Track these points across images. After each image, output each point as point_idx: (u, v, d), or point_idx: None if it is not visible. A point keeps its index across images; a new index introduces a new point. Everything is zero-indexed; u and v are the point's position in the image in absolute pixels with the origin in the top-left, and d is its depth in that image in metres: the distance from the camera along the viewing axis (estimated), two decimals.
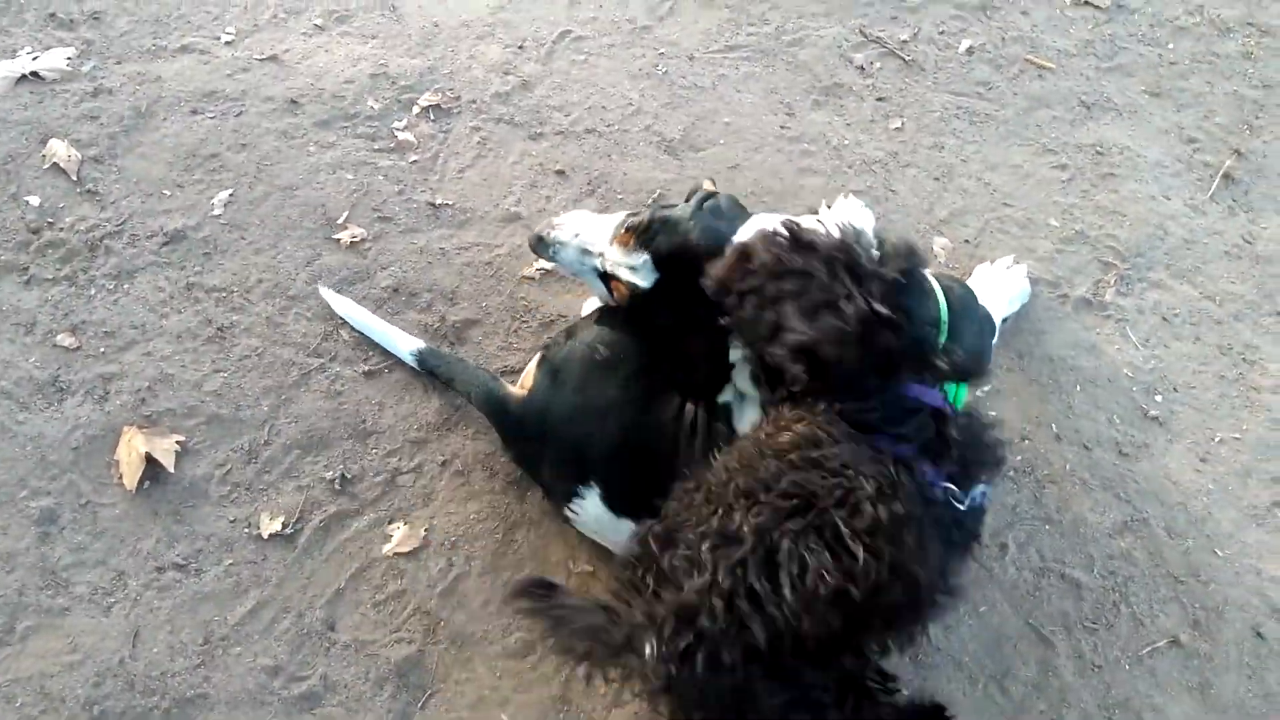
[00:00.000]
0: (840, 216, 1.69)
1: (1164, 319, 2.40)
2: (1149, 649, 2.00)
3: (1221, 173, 2.62)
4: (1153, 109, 2.74)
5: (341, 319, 2.28)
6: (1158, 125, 2.71)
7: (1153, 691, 1.96)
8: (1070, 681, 1.96)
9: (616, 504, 1.87)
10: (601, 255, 1.86)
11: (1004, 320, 2.26)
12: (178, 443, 2.13)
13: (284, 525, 2.07)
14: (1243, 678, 1.99)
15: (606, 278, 1.89)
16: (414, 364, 2.21)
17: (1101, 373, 2.31)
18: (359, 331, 2.27)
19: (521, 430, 2.00)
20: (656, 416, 1.86)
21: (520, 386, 2.04)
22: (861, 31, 2.85)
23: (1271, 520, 2.16)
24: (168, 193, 2.45)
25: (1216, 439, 2.25)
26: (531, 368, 2.02)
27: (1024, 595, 2.04)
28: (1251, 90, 2.78)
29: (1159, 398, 2.29)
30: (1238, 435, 2.25)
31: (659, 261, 1.80)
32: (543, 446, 1.96)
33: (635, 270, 1.82)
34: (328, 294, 2.28)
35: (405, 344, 2.21)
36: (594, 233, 1.88)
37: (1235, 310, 2.42)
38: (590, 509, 1.89)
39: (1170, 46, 2.85)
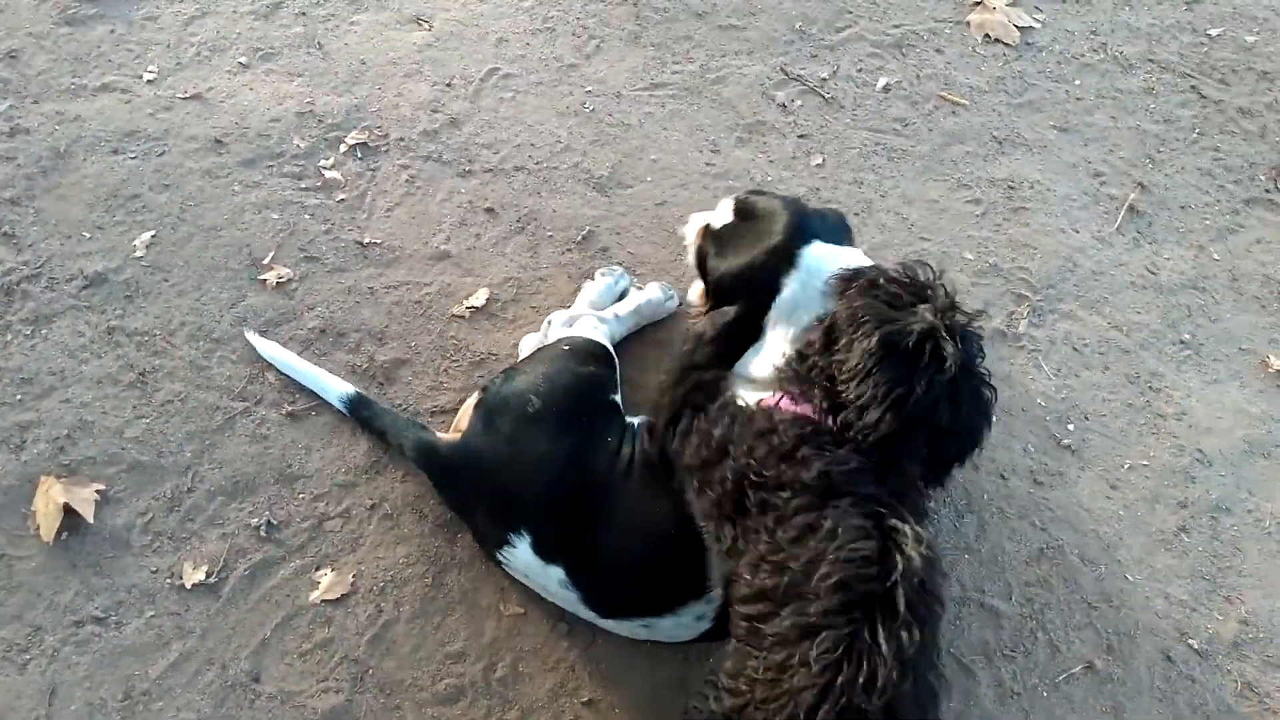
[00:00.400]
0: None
1: (1074, 349, 2.49)
2: (1065, 675, 2.07)
3: (1126, 205, 2.73)
4: (1061, 144, 2.84)
5: (269, 363, 2.26)
6: (1066, 159, 2.81)
7: (1069, 716, 2.02)
8: (990, 709, 2.02)
9: (547, 552, 1.88)
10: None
11: None
12: (97, 491, 2.10)
13: (208, 574, 2.04)
14: (1154, 701, 2.06)
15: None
16: (343, 410, 2.20)
17: (1016, 403, 2.38)
18: (286, 375, 2.25)
19: (453, 475, 2.01)
20: (591, 464, 1.88)
21: (454, 429, 2.05)
22: (783, 70, 2.91)
23: (1178, 545, 2.25)
24: (88, 235, 2.42)
25: (1126, 466, 2.33)
26: (467, 408, 2.03)
27: (945, 625, 2.09)
28: (1153, 125, 2.90)
29: (1071, 426, 2.37)
30: (1145, 462, 2.34)
31: None
32: (474, 492, 1.97)
33: None
34: (254, 338, 2.27)
35: (335, 388, 2.20)
36: None
37: (1141, 339, 2.51)
38: (521, 555, 1.90)
39: (1077, 83, 2.96)
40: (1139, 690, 2.06)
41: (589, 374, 1.99)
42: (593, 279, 2.39)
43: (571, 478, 1.86)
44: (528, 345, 2.24)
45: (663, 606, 1.86)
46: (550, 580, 1.88)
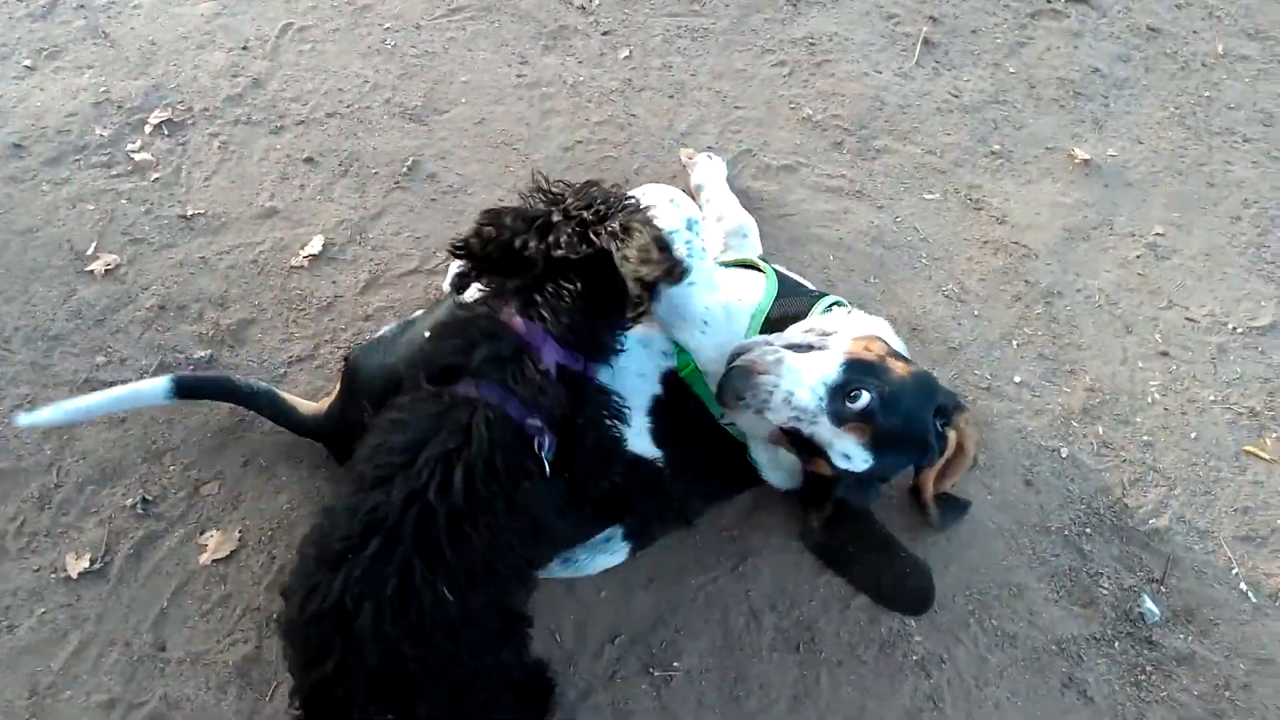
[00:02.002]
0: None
1: (882, 177, 2.60)
2: None
3: (921, 40, 2.85)
4: None
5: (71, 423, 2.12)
6: (859, 8, 2.92)
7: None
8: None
9: None
10: (815, 424, 1.75)
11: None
12: None
13: (92, 561, 2.02)
14: (1017, 477, 2.20)
15: (807, 449, 1.82)
16: (173, 399, 2.05)
17: (851, 239, 2.49)
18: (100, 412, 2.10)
19: (324, 434, 2.03)
20: None
21: (333, 395, 2.04)
22: None
23: (1019, 334, 2.39)
24: None
25: (960, 273, 2.46)
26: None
27: None
28: None
29: (902, 250, 2.48)
30: (977, 265, 2.47)
31: (879, 445, 1.77)
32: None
33: (854, 460, 1.78)
34: (29, 419, 1.94)
35: (150, 387, 2.03)
36: (807, 390, 1.73)
37: (955, 158, 2.64)
38: None
39: None
40: (1004, 470, 2.20)
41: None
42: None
43: None
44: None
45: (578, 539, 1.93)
46: None
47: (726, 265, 2.14)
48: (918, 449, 1.86)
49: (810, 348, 1.81)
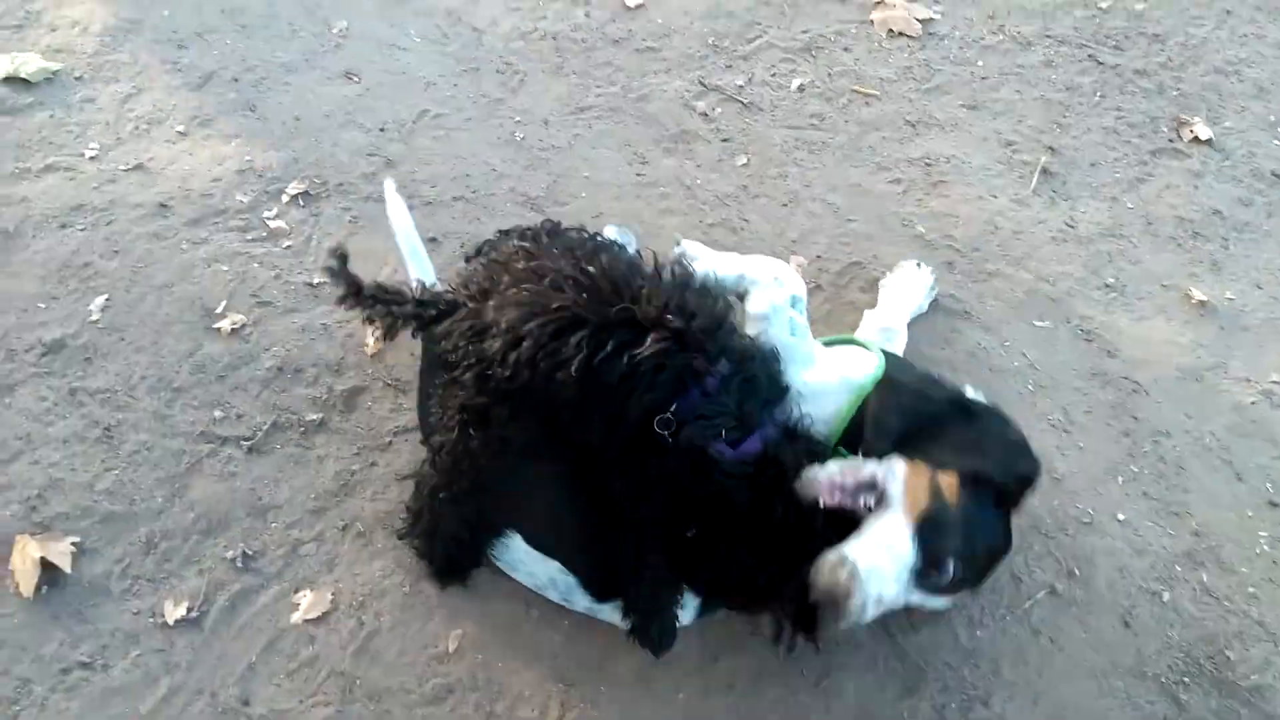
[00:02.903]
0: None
1: (1005, 304, 2.59)
2: (1030, 602, 2.14)
3: (1039, 168, 2.87)
4: (972, 120, 2.99)
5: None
6: (978, 134, 2.96)
7: (1037, 639, 2.09)
8: (965, 644, 2.08)
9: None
10: (910, 599, 1.72)
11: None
12: (73, 544, 2.13)
13: (189, 610, 2.08)
14: (1115, 616, 2.14)
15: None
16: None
17: (956, 359, 2.48)
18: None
19: None
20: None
21: None
22: (701, 82, 3.05)
23: (1126, 471, 2.35)
24: (42, 305, 2.48)
25: (1069, 405, 2.43)
26: None
27: None
28: (1056, 94, 3.05)
29: (1010, 378, 2.47)
30: (1085, 398, 2.44)
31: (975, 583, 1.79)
32: None
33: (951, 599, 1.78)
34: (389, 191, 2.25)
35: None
36: (892, 584, 1.67)
37: (1068, 288, 2.63)
38: (516, 548, 2.01)
39: (980, 64, 3.12)
40: (1102, 609, 2.13)
41: None
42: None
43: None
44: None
45: None
46: (550, 567, 1.98)
47: (831, 342, 2.12)
48: (1002, 553, 1.81)
49: (877, 493, 1.72)
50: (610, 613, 2.01)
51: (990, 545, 1.76)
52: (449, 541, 2.04)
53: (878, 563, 1.63)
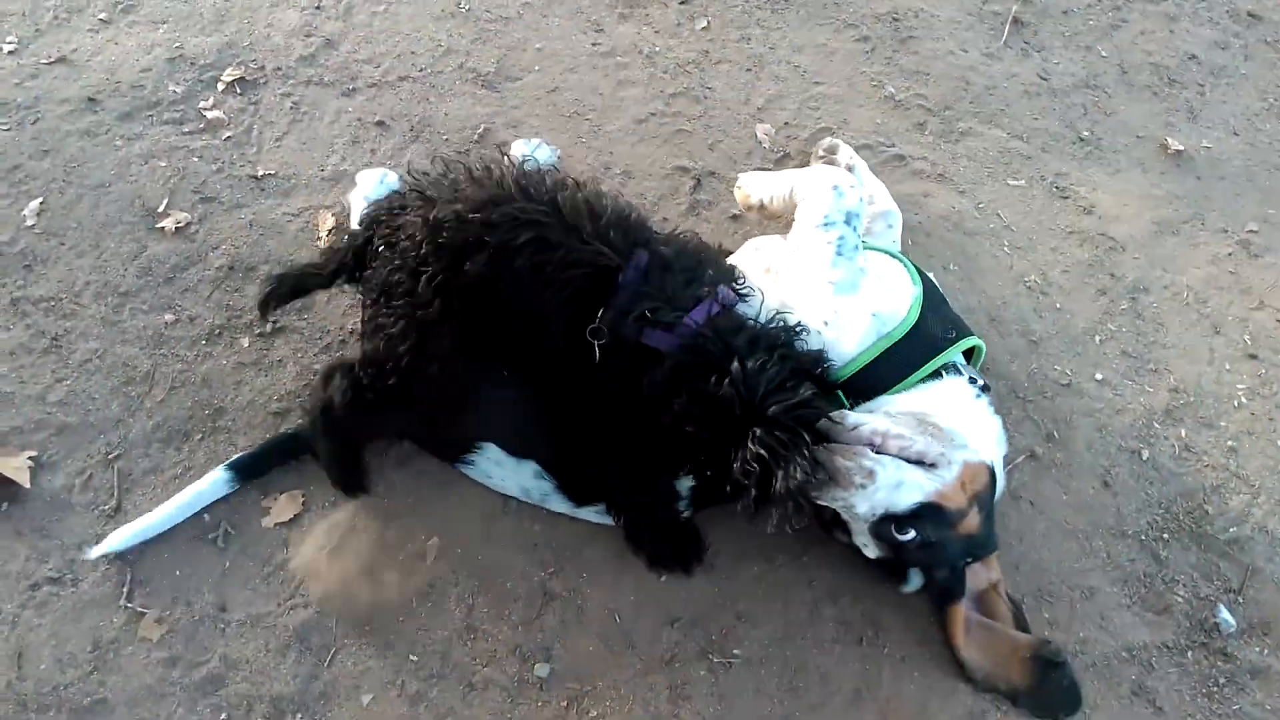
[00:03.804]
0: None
1: (980, 163, 2.51)
2: (1009, 466, 2.13)
3: (1010, 19, 2.75)
4: None
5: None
6: None
7: (1019, 504, 2.09)
8: None
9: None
10: (854, 523, 1.76)
11: None
12: (30, 459, 2.06)
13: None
14: (1095, 477, 2.13)
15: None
16: (233, 487, 2.03)
17: (934, 223, 2.41)
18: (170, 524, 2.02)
19: None
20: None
21: None
22: None
23: (1103, 329, 2.32)
24: None
25: (1044, 264, 2.38)
26: None
27: None
28: None
29: (986, 238, 2.40)
30: (1062, 257, 2.39)
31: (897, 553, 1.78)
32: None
33: (870, 551, 1.80)
34: (101, 549, 1.96)
35: (210, 486, 2.01)
36: (864, 507, 1.70)
37: (1042, 144, 2.55)
38: (489, 456, 1.97)
39: None
40: (1081, 470, 2.13)
41: None
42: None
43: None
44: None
45: None
46: (523, 474, 1.94)
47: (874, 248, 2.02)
48: (935, 566, 1.82)
49: (920, 464, 1.72)
50: (589, 513, 1.99)
51: (940, 560, 1.78)
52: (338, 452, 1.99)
53: (886, 483, 1.66)
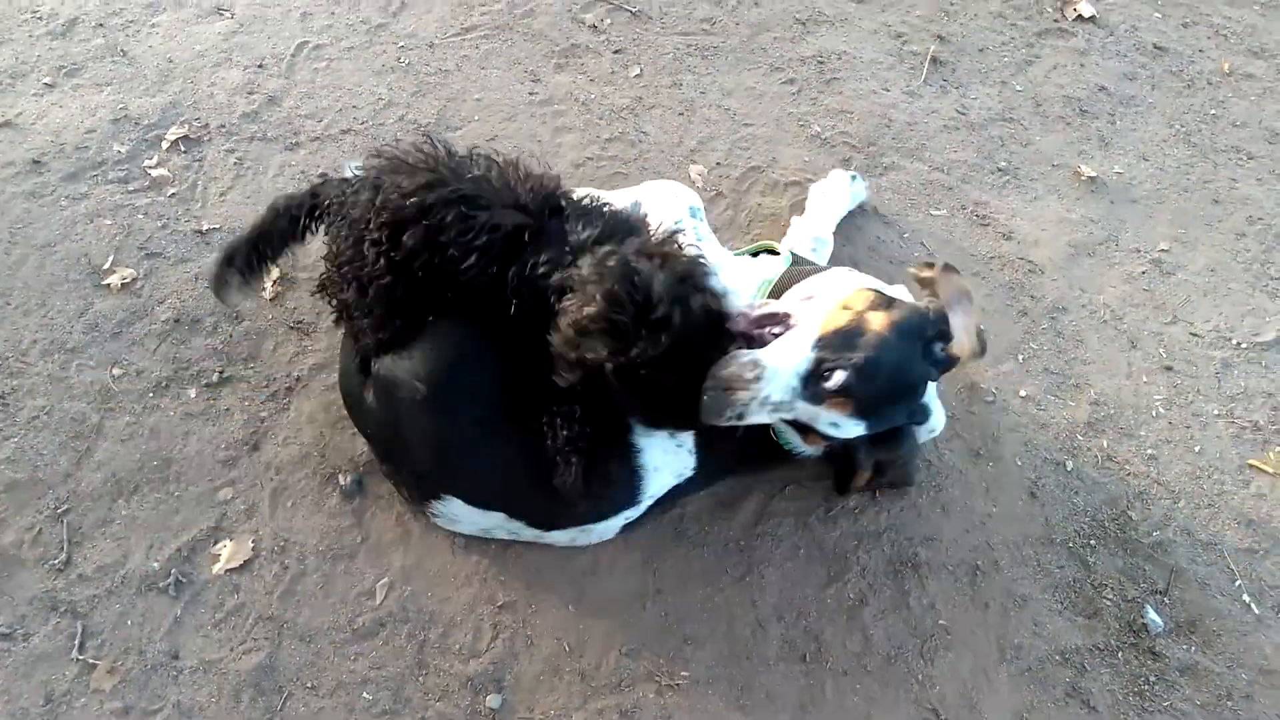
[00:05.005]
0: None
1: (903, 195, 2.62)
2: (939, 483, 2.21)
3: (929, 58, 2.88)
4: (860, 14, 2.98)
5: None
6: (867, 28, 2.95)
7: (949, 517, 2.17)
8: (881, 528, 2.15)
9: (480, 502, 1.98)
10: (794, 411, 1.75)
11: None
12: None
13: (106, 571, 2.04)
14: (1022, 489, 2.22)
15: (800, 426, 1.84)
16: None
17: (860, 254, 2.51)
18: None
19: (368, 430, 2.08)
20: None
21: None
22: None
23: (1025, 350, 2.42)
24: None
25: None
26: None
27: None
28: None
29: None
30: (984, 280, 2.50)
31: (865, 412, 1.75)
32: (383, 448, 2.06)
33: (844, 428, 1.77)
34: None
35: None
36: (780, 386, 1.72)
37: (962, 175, 2.67)
38: (453, 510, 2.00)
39: None
40: (1009, 483, 2.21)
41: None
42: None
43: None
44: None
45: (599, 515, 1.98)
46: (491, 519, 1.99)
47: (746, 252, 2.22)
48: (909, 399, 1.81)
49: (785, 327, 1.80)
50: (555, 536, 2.03)
51: (897, 372, 1.75)
52: None
53: (778, 363, 1.71)
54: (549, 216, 1.85)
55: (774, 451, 2.01)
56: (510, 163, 1.91)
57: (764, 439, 1.99)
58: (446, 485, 1.97)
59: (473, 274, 1.80)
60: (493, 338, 1.88)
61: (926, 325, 1.80)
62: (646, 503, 1.99)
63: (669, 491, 2.00)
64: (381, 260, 1.86)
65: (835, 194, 2.49)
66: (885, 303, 1.83)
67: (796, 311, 1.82)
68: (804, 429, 1.84)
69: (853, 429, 1.76)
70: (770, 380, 1.70)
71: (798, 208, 2.56)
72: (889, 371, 1.73)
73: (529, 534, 2.04)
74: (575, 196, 1.93)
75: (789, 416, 1.77)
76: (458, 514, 2.01)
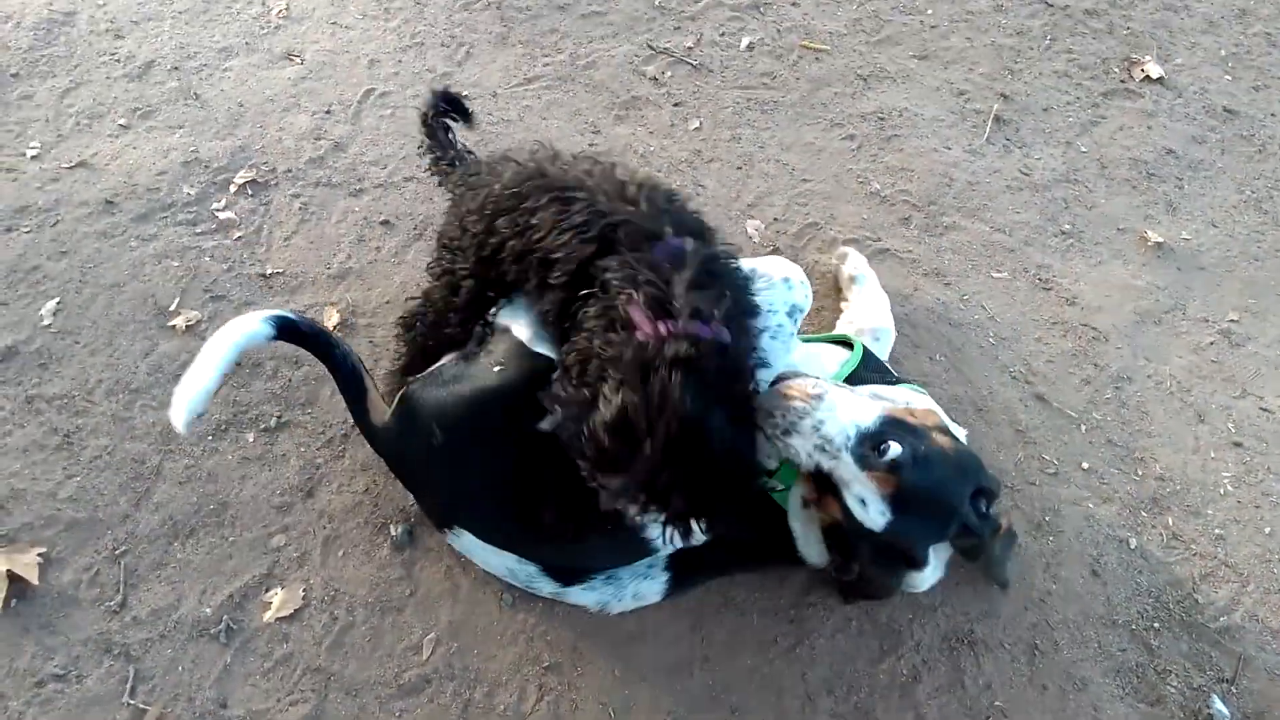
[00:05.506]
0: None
1: (964, 256, 2.59)
2: None
3: (992, 117, 2.85)
4: (923, 71, 2.96)
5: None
6: (929, 85, 2.93)
7: (1010, 594, 2.12)
8: (938, 599, 2.11)
9: (491, 539, 1.98)
10: (836, 459, 1.71)
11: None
12: (39, 555, 2.11)
13: (160, 615, 2.07)
14: (1084, 565, 2.16)
15: (822, 484, 1.79)
16: (273, 337, 1.95)
17: (919, 315, 2.48)
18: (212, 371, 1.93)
19: (381, 450, 2.10)
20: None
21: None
22: (649, 45, 3.00)
23: (1088, 420, 2.36)
24: None
25: (1028, 355, 2.44)
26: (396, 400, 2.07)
27: None
28: (1007, 39, 3.03)
29: (971, 329, 2.47)
30: (1046, 348, 2.45)
31: (901, 502, 1.70)
32: (405, 473, 2.08)
33: (870, 510, 1.71)
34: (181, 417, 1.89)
35: (250, 329, 1.92)
36: (836, 424, 1.71)
37: (1024, 237, 2.63)
38: (466, 543, 2.02)
39: (929, 12, 3.09)
40: (1070, 559, 2.16)
41: None
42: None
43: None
44: None
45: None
46: (506, 557, 1.98)
47: (817, 339, 2.17)
48: (943, 518, 1.74)
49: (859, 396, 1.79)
50: (578, 594, 2.02)
51: (944, 484, 1.72)
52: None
53: (840, 402, 1.71)
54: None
55: (781, 547, 1.98)
56: (621, 164, 1.90)
57: (779, 528, 1.97)
58: (458, 519, 2.00)
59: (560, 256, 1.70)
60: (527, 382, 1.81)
61: (982, 474, 1.80)
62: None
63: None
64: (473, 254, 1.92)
65: (863, 271, 2.45)
66: (948, 432, 1.83)
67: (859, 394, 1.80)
68: (823, 490, 1.79)
69: (877, 516, 1.71)
70: (829, 410, 1.70)
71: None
72: (939, 478, 1.71)
73: (546, 588, 2.03)
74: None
75: (828, 464, 1.72)
76: (470, 548, 2.03)
